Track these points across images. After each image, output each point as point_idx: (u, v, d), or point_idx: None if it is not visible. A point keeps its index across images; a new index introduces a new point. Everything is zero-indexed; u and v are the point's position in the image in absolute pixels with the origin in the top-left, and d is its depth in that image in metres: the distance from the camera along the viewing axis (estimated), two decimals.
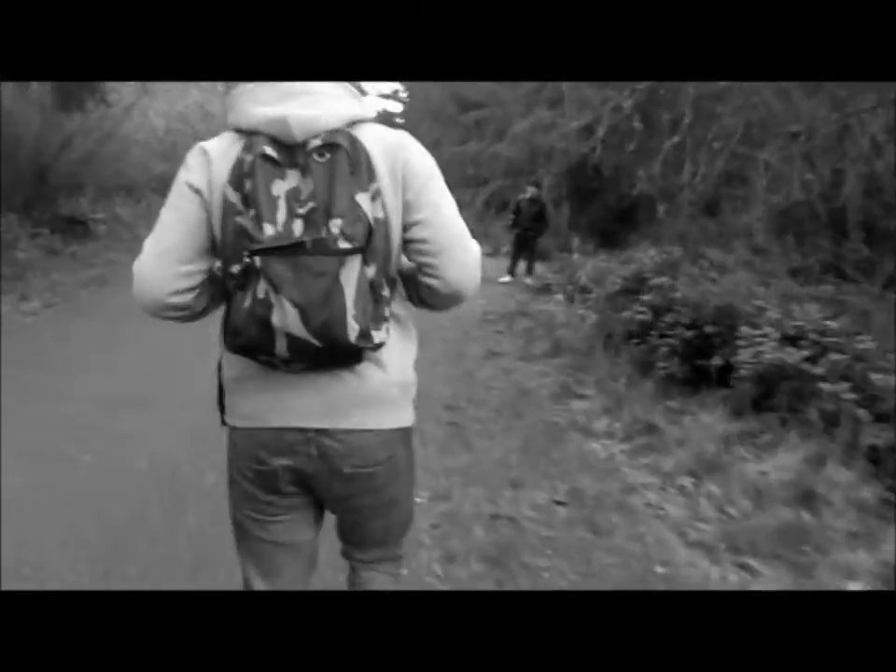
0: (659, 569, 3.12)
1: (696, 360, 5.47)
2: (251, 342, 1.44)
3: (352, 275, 1.39)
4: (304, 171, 1.40)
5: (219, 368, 1.67)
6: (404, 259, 1.60)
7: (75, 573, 2.81)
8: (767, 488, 3.77)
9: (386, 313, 1.53)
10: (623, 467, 4.25)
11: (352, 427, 1.56)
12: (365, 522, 1.73)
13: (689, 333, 5.63)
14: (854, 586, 2.99)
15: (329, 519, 1.77)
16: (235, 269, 1.42)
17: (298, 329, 1.38)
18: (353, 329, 1.39)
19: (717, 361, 5.32)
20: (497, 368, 6.34)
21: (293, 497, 1.64)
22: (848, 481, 3.76)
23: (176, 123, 27.79)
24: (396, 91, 38.14)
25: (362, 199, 1.40)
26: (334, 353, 1.44)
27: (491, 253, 17.29)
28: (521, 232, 12.46)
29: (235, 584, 1.84)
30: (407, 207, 1.51)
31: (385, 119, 37.22)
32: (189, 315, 1.58)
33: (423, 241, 1.53)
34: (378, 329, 1.48)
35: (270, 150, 1.39)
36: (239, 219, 1.39)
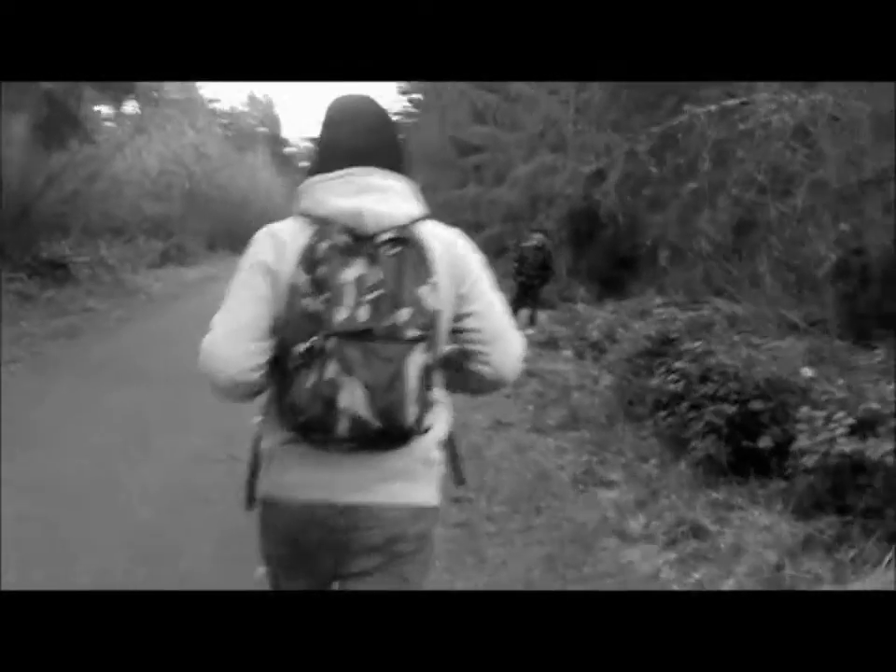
0: None
1: (741, 441, 4.71)
2: (313, 420, 1.48)
3: (415, 363, 1.48)
4: (372, 260, 1.49)
5: (255, 447, 1.70)
6: (447, 347, 1.67)
7: None
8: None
9: (432, 398, 1.58)
10: (672, 584, 3.47)
11: (381, 501, 1.59)
12: (371, 585, 1.69)
13: (730, 408, 4.88)
14: None
15: None
16: (300, 349, 1.47)
17: (364, 410, 1.45)
18: (412, 414, 1.48)
19: (766, 443, 4.57)
20: (508, 442, 5.57)
21: (326, 569, 1.67)
22: None
23: (171, 164, 27.42)
24: None
25: (424, 291, 1.50)
26: (389, 435, 1.50)
27: None
28: (524, 281, 11.78)
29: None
30: (461, 300, 1.62)
31: None
32: (255, 393, 1.62)
33: (476, 330, 1.64)
34: (427, 413, 1.54)
35: (343, 240, 1.50)
36: (306, 302, 1.46)
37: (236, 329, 1.54)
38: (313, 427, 1.50)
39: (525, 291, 11.81)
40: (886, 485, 3.67)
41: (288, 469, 1.61)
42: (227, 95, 51.91)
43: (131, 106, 30.96)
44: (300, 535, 1.62)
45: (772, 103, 9.74)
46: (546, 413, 6.34)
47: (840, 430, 3.93)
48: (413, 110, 34.88)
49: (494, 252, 22.22)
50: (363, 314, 1.45)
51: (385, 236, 1.51)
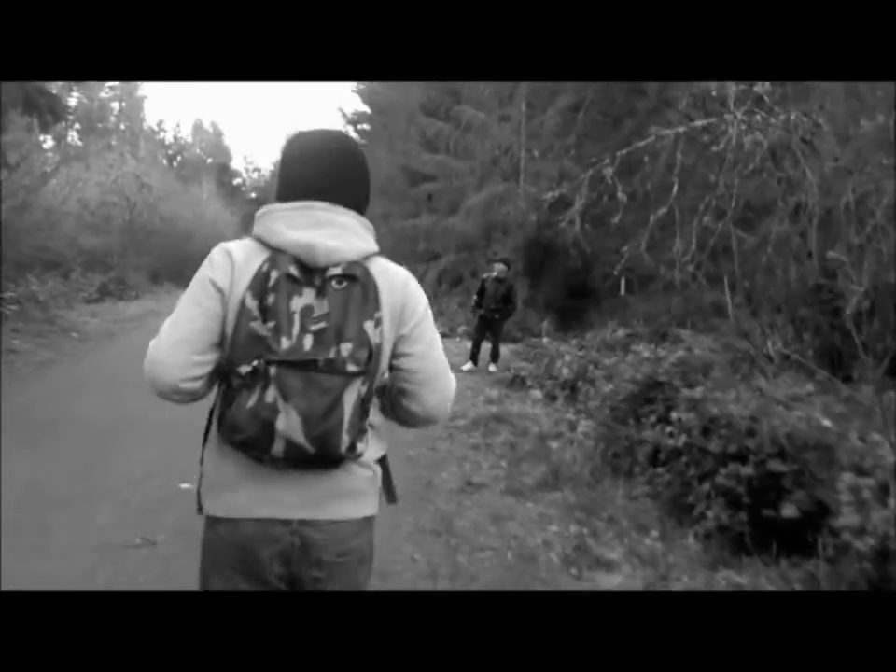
0: None
1: (761, 509, 3.99)
2: (250, 439, 1.53)
3: (352, 394, 1.54)
4: (320, 292, 1.56)
5: (202, 459, 1.73)
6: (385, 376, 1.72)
7: None
8: None
9: (366, 426, 1.65)
10: None
11: (331, 517, 1.67)
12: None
13: (745, 469, 4.16)
14: None
15: None
16: (244, 369, 1.52)
17: (298, 436, 1.51)
18: (344, 443, 1.55)
19: (791, 512, 3.85)
20: (482, 510, 4.76)
21: (276, 582, 1.68)
22: None
23: (111, 195, 26.23)
24: None
25: (368, 326, 1.57)
26: (320, 459, 1.57)
27: (446, 333, 15.89)
28: (485, 314, 11.04)
29: None
30: (402, 339, 1.69)
31: None
32: (192, 399, 1.67)
33: (412, 371, 1.70)
34: (361, 440, 1.62)
35: (294, 271, 1.55)
36: (254, 325, 1.52)
37: (180, 341, 1.60)
38: (249, 445, 1.56)
39: (486, 326, 11.08)
40: None
41: (237, 489, 1.65)
42: (171, 125, 50.62)
43: (70, 136, 30.03)
44: (252, 552, 1.64)
45: (742, 124, 9.22)
46: (521, 470, 5.55)
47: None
48: (363, 141, 34.32)
49: (449, 282, 21.71)
50: (307, 343, 1.51)
51: (335, 270, 1.58)
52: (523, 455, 5.87)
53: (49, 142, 26.42)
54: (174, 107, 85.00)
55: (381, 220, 27.31)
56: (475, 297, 11.32)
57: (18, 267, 16.46)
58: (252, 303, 1.53)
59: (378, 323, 1.58)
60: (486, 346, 11.12)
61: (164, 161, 41.75)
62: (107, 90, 36.85)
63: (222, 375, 1.64)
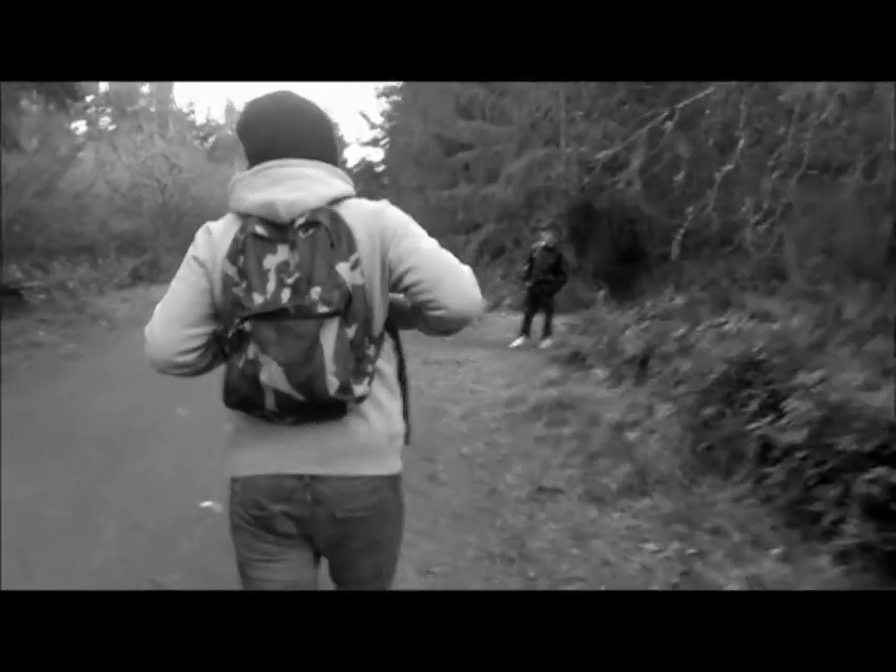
0: None
1: None
2: (244, 398, 1.61)
3: (330, 336, 1.56)
4: (293, 246, 1.59)
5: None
6: (401, 300, 1.76)
7: None
8: None
9: (369, 369, 1.67)
10: None
11: (343, 473, 1.70)
12: (355, 562, 1.81)
13: (881, 469, 3.37)
14: None
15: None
16: (230, 333, 1.62)
17: (283, 385, 1.55)
18: (332, 384, 1.55)
19: None
20: (560, 524, 3.99)
21: (291, 538, 1.75)
22: None
23: (141, 177, 25.68)
24: (376, 139, 36.30)
25: (342, 268, 1.59)
26: (317, 406, 1.60)
27: (492, 307, 15.10)
28: (534, 286, 10.25)
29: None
30: (394, 263, 1.68)
31: (367, 168, 35.25)
32: (194, 371, 1.76)
33: (416, 283, 1.67)
34: (360, 383, 1.62)
35: (260, 230, 1.61)
36: (235, 290, 1.59)
37: (170, 318, 1.68)
38: (246, 404, 1.63)
39: (537, 298, 10.28)
40: None
41: (254, 447, 1.72)
42: (202, 107, 50.32)
43: (101, 121, 29.60)
44: (270, 508, 1.70)
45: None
46: (599, 468, 4.77)
47: None
48: (395, 112, 33.42)
49: (491, 253, 20.87)
50: (285, 296, 1.55)
51: (300, 221, 1.60)
52: (597, 449, 5.08)
53: (81, 127, 26.05)
54: (205, 89, 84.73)
55: (415, 192, 26.57)
56: (524, 268, 10.52)
57: (47, 253, 15.99)
58: (231, 270, 1.60)
59: (356, 264, 1.61)
60: (537, 321, 10.35)
61: (196, 143, 41.17)
62: None
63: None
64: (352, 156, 35.42)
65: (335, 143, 1.82)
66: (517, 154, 18.93)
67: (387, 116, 34.66)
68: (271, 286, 1.55)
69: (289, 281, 1.55)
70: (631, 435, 5.30)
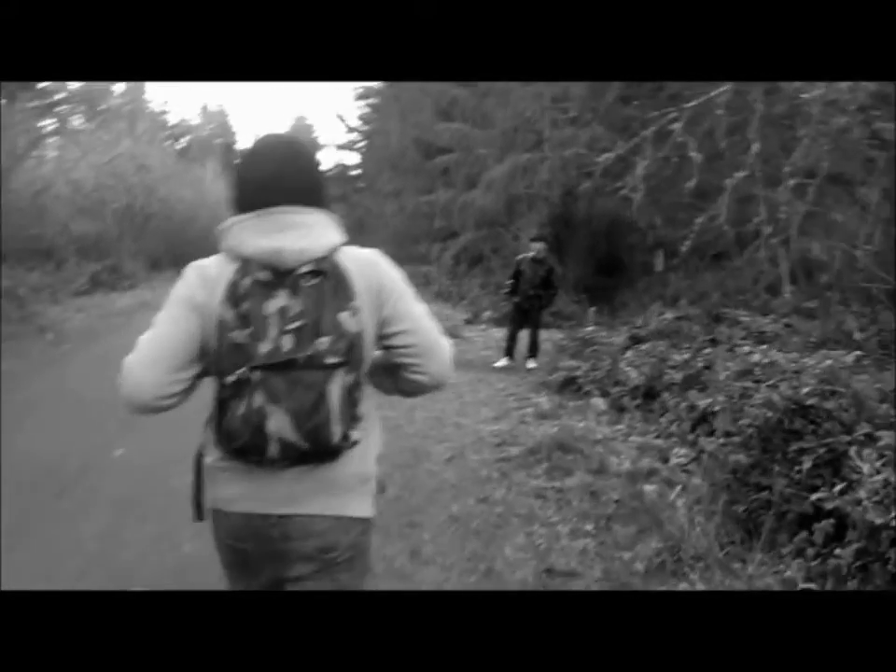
0: None
1: None
2: (245, 445, 1.58)
3: (336, 385, 1.57)
4: (293, 291, 1.58)
5: (198, 462, 1.77)
6: (381, 355, 1.78)
7: None
8: None
9: (360, 414, 1.67)
10: None
11: (309, 512, 1.69)
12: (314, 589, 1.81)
13: None
14: None
15: None
16: (230, 380, 1.56)
17: (290, 434, 1.55)
18: (335, 434, 1.58)
19: None
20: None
21: (263, 569, 1.76)
22: None
23: (106, 177, 24.52)
24: (352, 143, 35.49)
25: (344, 317, 1.59)
26: (317, 453, 1.60)
27: (470, 319, 14.25)
28: (523, 301, 9.38)
29: None
30: (387, 320, 1.70)
31: (341, 173, 34.24)
32: (167, 410, 1.69)
33: (409, 346, 1.72)
34: (354, 428, 1.63)
35: (263, 276, 1.58)
36: (233, 335, 1.55)
37: (156, 360, 1.62)
38: (246, 451, 1.60)
39: (525, 314, 9.43)
40: None
41: (229, 484, 1.70)
42: (175, 106, 49.18)
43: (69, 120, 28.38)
44: (239, 543, 1.72)
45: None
46: (617, 538, 3.90)
47: None
48: (373, 115, 32.61)
49: (469, 261, 20.06)
50: (287, 343, 1.54)
51: (305, 268, 1.60)
52: (612, 510, 4.22)
53: (50, 126, 24.78)
54: (180, 88, 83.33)
55: (392, 197, 25.78)
56: (509, 282, 9.66)
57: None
58: (229, 314, 1.57)
59: (355, 312, 1.61)
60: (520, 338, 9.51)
61: (167, 143, 40.00)
62: None
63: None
64: (327, 159, 34.37)
65: (326, 185, 1.82)
66: (499, 158, 18.14)
67: (365, 119, 33.89)
68: (272, 332, 1.54)
69: (291, 327, 1.55)
70: (648, 489, 4.44)
